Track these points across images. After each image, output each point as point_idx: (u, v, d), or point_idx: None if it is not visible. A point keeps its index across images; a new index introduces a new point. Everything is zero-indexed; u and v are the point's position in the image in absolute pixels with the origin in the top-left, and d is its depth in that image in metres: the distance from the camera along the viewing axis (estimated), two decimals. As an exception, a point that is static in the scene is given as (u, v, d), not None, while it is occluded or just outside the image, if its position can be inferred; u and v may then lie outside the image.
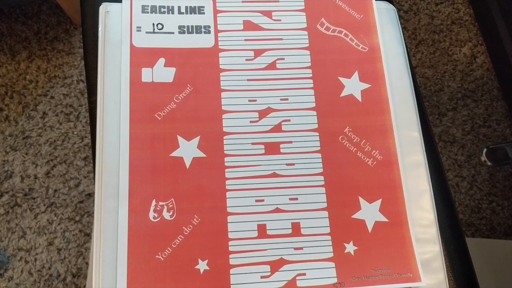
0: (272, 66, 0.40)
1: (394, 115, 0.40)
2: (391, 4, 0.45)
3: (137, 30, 0.39)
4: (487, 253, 0.83)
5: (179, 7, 0.41)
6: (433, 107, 1.10)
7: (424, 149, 0.40)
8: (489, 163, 0.58)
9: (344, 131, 0.39)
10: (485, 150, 0.59)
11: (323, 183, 0.37)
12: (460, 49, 1.16)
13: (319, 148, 0.38)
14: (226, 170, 0.37)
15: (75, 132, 0.98)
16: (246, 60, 0.40)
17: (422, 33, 1.17)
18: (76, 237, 0.93)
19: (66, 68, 1.04)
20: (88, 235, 0.94)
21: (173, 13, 0.40)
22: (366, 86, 0.40)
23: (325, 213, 0.36)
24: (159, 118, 0.37)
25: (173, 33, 0.40)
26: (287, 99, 0.39)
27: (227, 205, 0.36)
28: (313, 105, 0.39)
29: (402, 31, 0.44)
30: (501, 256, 0.83)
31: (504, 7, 1.08)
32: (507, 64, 1.08)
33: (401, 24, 0.44)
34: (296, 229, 0.36)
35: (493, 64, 1.14)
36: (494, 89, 1.13)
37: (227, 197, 0.36)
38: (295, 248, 0.35)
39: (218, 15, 0.41)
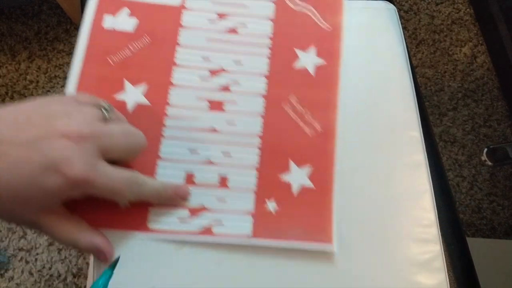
0: (233, 30, 0.41)
1: (392, 114, 0.41)
2: (391, 4, 0.45)
3: None
4: (488, 253, 0.83)
5: None
6: (433, 107, 1.10)
7: (424, 149, 0.40)
8: (489, 163, 0.58)
9: (290, 99, 0.40)
10: (485, 150, 0.59)
11: (259, 144, 0.38)
12: (460, 49, 1.16)
13: (262, 112, 0.39)
14: (165, 118, 0.37)
15: (76, 132, 0.98)
16: (209, 21, 0.41)
17: (422, 33, 1.17)
18: (77, 237, 0.93)
19: (67, 68, 1.04)
20: (89, 235, 0.94)
21: None
22: (321, 62, 0.41)
23: (255, 172, 0.37)
24: (112, 63, 0.38)
25: None
26: (240, 63, 0.40)
27: (159, 150, 0.36)
28: (266, 72, 0.40)
29: (403, 31, 0.44)
30: (501, 256, 0.83)
31: (504, 7, 1.08)
32: (508, 64, 1.08)
33: (401, 24, 0.44)
34: (222, 182, 0.36)
35: (494, 64, 1.14)
36: (494, 89, 1.13)
37: (161, 143, 0.37)
38: (218, 199, 0.36)
39: None
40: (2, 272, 0.90)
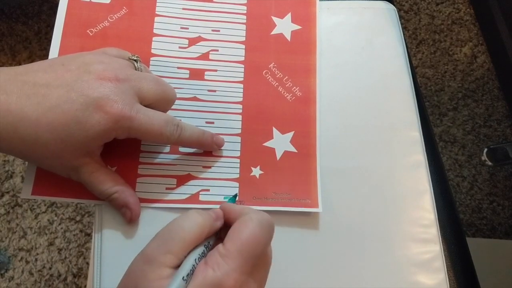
0: None
1: (392, 114, 0.41)
2: (391, 4, 0.45)
3: None
4: (488, 253, 0.83)
5: None
6: (433, 107, 1.10)
7: (424, 149, 0.40)
8: (489, 163, 0.58)
9: (269, 66, 0.40)
10: (485, 150, 0.59)
11: (241, 111, 0.39)
12: (460, 49, 1.16)
13: (242, 79, 0.39)
14: None
15: (76, 132, 0.98)
16: None
17: (422, 33, 1.17)
18: (77, 237, 0.93)
19: (67, 68, 1.04)
20: (89, 235, 0.94)
21: None
22: (297, 27, 0.42)
23: (238, 138, 0.38)
24: (91, 34, 0.39)
25: None
26: (218, 31, 0.41)
27: None
28: (243, 39, 0.41)
29: (403, 31, 0.44)
30: (502, 256, 0.83)
31: (505, 7, 1.08)
32: (508, 64, 1.08)
33: (401, 24, 0.44)
34: (207, 150, 0.37)
35: (494, 64, 1.14)
36: (494, 89, 1.13)
37: None
38: (204, 167, 0.36)
39: None
40: (2, 272, 0.90)
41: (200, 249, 0.27)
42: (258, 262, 0.27)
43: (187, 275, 0.25)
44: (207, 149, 0.37)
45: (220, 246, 0.26)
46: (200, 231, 0.27)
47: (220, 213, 0.30)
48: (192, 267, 0.26)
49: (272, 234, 0.28)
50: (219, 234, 0.30)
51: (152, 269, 0.25)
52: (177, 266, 0.26)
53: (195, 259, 0.26)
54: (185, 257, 0.26)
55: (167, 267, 0.25)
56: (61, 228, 0.94)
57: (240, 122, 0.38)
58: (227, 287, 0.25)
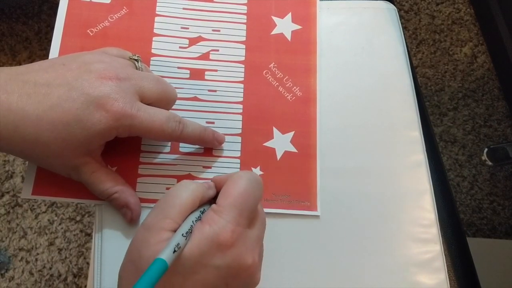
0: None
1: (392, 114, 0.41)
2: (391, 4, 0.45)
3: None
4: (488, 253, 0.83)
5: None
6: (434, 107, 1.10)
7: (424, 148, 0.40)
8: (490, 163, 0.58)
9: (269, 66, 0.40)
10: (486, 150, 0.59)
11: (241, 111, 0.39)
12: (460, 49, 1.16)
13: (242, 79, 0.40)
14: None
15: (76, 132, 0.98)
16: None
17: (422, 33, 1.17)
18: (77, 237, 0.93)
19: (67, 68, 1.04)
20: (89, 235, 0.94)
21: None
22: (297, 27, 0.42)
23: (239, 139, 0.38)
24: (91, 34, 0.39)
25: None
26: (219, 31, 0.41)
27: None
28: (243, 39, 0.41)
29: (403, 31, 0.44)
30: (502, 256, 0.83)
31: (505, 7, 1.08)
32: (508, 63, 1.08)
33: (401, 24, 0.44)
34: (207, 150, 0.37)
35: (494, 64, 1.14)
36: (494, 89, 1.12)
37: None
38: (204, 167, 0.37)
39: None
40: (2, 272, 0.90)
41: (197, 213, 0.28)
42: (252, 216, 0.28)
43: (187, 232, 0.26)
44: (208, 146, 0.37)
45: (213, 205, 0.28)
46: (194, 196, 0.28)
47: (212, 183, 0.31)
48: (191, 227, 0.26)
49: (261, 189, 0.29)
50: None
51: (152, 235, 0.26)
52: (176, 230, 0.26)
53: (193, 221, 0.27)
54: (183, 221, 0.27)
55: (166, 231, 0.26)
56: (61, 228, 0.94)
57: (241, 122, 0.38)
58: (224, 239, 0.26)
